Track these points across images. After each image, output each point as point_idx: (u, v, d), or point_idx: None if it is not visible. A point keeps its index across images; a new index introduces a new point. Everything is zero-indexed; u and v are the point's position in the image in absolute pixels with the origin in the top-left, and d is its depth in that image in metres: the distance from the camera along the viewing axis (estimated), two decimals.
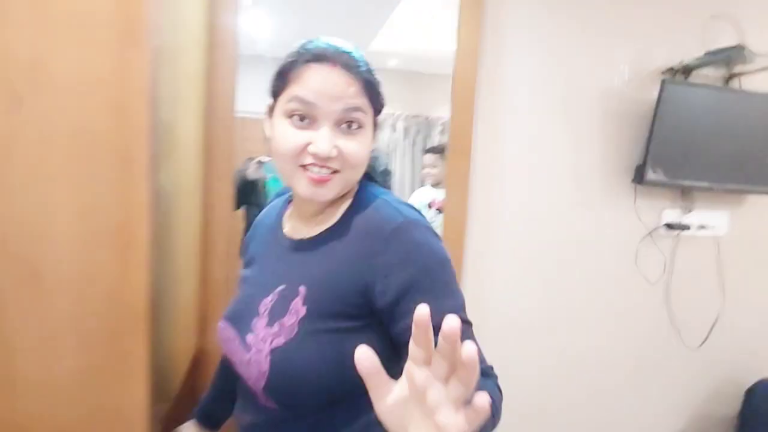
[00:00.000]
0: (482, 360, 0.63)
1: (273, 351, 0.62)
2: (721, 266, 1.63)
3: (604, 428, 1.62)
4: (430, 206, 2.46)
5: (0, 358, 0.72)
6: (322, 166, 0.62)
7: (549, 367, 1.56)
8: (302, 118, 0.62)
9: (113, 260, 0.75)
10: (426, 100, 3.81)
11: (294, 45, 0.66)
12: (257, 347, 0.63)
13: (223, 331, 0.73)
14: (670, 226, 1.58)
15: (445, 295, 0.61)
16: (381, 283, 0.60)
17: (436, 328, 0.39)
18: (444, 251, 0.64)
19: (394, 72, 3.79)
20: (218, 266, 1.28)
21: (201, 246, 1.28)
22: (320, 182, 0.63)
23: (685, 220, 1.59)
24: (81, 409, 0.76)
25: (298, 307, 0.63)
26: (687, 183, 1.52)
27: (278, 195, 0.89)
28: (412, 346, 0.41)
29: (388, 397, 0.42)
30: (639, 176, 1.49)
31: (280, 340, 0.62)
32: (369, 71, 0.65)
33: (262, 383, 0.62)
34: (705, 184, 1.52)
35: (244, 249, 0.84)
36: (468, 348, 0.37)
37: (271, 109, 0.68)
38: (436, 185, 2.46)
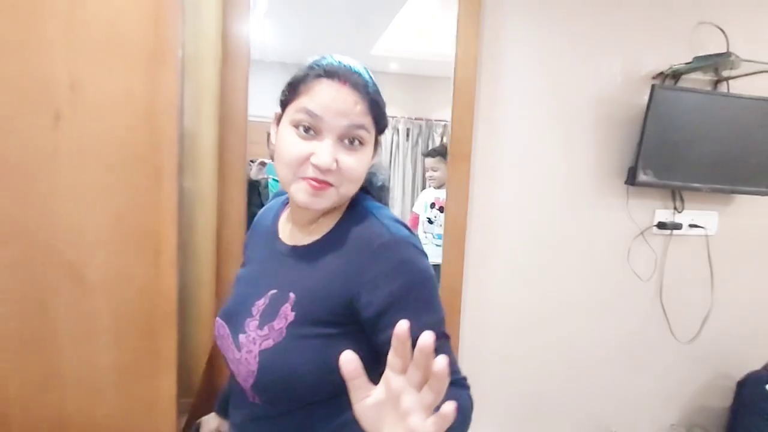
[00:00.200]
0: (457, 371, 0.67)
1: (261, 353, 0.66)
2: (711, 263, 1.69)
3: (600, 419, 1.68)
4: (432, 206, 2.54)
5: (47, 355, 0.78)
6: (321, 175, 0.64)
7: (546, 361, 1.61)
8: (307, 129, 0.65)
9: (145, 263, 0.81)
10: (426, 103, 3.87)
11: (307, 60, 0.70)
12: (247, 348, 0.67)
13: (218, 328, 0.76)
14: (661, 226, 1.64)
15: (426, 310, 0.64)
16: (366, 295, 0.63)
17: (415, 341, 0.43)
18: (428, 269, 0.66)
19: (395, 76, 3.86)
20: (233, 268, 1.33)
21: (216, 249, 1.34)
22: (317, 191, 0.65)
23: (677, 219, 1.65)
24: (117, 402, 0.83)
25: (287, 312, 0.67)
26: (677, 184, 1.58)
27: (276, 196, 0.93)
28: (390, 356, 0.46)
29: (366, 399, 0.47)
30: (631, 178, 1.55)
31: (268, 343, 0.66)
32: (376, 92, 0.68)
33: (251, 381, 0.66)
34: (695, 184, 1.58)
35: (244, 248, 0.89)
36: (440, 361, 0.41)
37: (278, 118, 0.71)
38: (438, 187, 2.54)
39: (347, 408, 0.52)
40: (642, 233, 1.63)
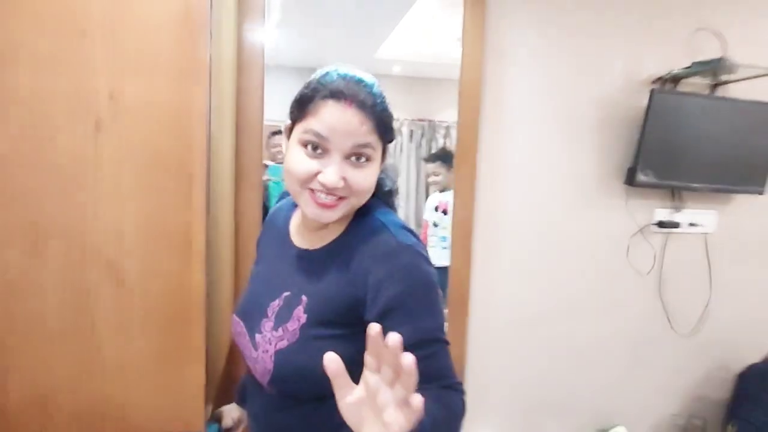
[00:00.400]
0: (451, 376, 0.69)
1: (277, 353, 0.70)
2: (709, 261, 1.74)
3: (603, 411, 1.73)
4: (437, 209, 2.60)
5: (89, 344, 0.85)
6: (328, 194, 0.67)
7: (551, 355, 1.66)
8: (315, 148, 0.67)
9: (177, 260, 0.88)
10: (429, 105, 3.92)
11: (314, 75, 0.70)
12: (264, 347, 0.72)
13: (235, 325, 0.81)
14: (661, 224, 1.69)
15: (426, 315, 0.67)
16: (371, 298, 0.66)
17: (412, 345, 0.48)
18: (430, 275, 0.69)
19: (399, 78, 3.91)
20: (250, 266, 1.39)
21: (234, 248, 1.41)
22: (326, 207, 0.68)
23: (676, 218, 1.70)
24: (151, 388, 0.89)
25: (300, 315, 0.71)
26: (676, 184, 1.63)
27: (282, 197, 0.95)
28: (366, 356, 0.50)
29: (348, 397, 0.52)
30: (631, 178, 1.60)
31: (283, 343, 0.70)
32: (383, 109, 0.69)
33: (267, 378, 0.71)
34: (693, 184, 1.63)
35: (257, 244, 0.92)
36: (407, 358, 0.45)
37: (289, 131, 0.73)
38: (442, 191, 2.60)
39: None
40: (641, 231, 1.69)
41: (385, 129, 0.70)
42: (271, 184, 3.32)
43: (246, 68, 1.37)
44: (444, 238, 2.42)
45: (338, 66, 0.71)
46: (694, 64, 1.58)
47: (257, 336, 0.74)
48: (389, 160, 0.82)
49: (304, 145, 0.68)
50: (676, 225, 1.70)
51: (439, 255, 2.18)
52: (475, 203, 1.56)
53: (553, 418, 1.69)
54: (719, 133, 1.61)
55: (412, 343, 0.53)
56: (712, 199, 1.73)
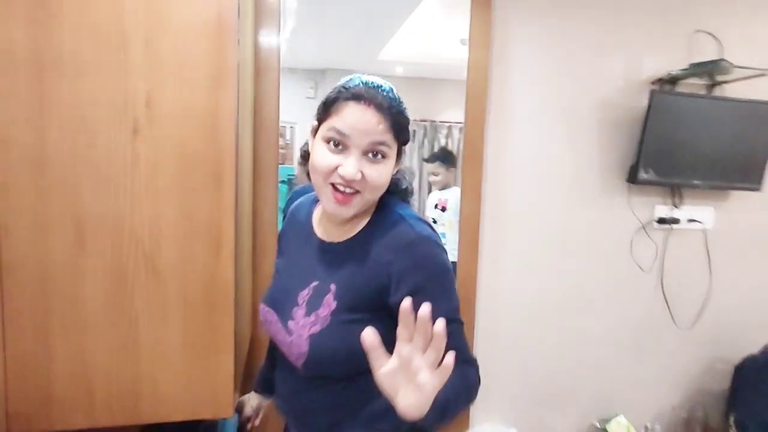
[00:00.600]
0: (467, 353, 0.76)
1: (311, 336, 0.77)
2: (708, 255, 1.80)
3: (606, 402, 1.79)
4: (436, 206, 2.67)
5: (126, 332, 0.91)
6: (346, 186, 0.75)
7: (555, 347, 1.72)
8: (337, 144, 0.75)
9: (208, 254, 0.94)
10: (431, 105, 3.98)
11: (339, 82, 0.80)
12: (298, 333, 0.78)
13: (265, 314, 0.87)
14: (662, 221, 1.75)
15: (444, 299, 0.74)
16: (395, 284, 0.74)
17: (433, 324, 0.55)
18: (446, 262, 0.77)
19: (401, 79, 3.97)
20: (268, 262, 1.45)
21: (252, 244, 1.46)
22: (343, 202, 0.75)
23: (675, 214, 1.76)
24: (183, 374, 0.95)
25: (330, 302, 0.78)
26: (676, 181, 1.69)
27: (296, 195, 1.04)
28: (399, 329, 0.58)
29: (384, 367, 0.59)
30: (632, 176, 1.66)
31: (316, 328, 0.77)
32: (398, 112, 0.77)
33: (302, 361, 0.78)
34: (692, 182, 1.69)
35: (279, 240, 0.99)
36: (437, 324, 0.54)
37: (314, 130, 0.81)
38: (442, 189, 2.67)
39: None
40: (643, 227, 1.75)
41: (399, 129, 0.77)
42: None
43: (262, 72, 1.43)
44: (443, 235, 2.48)
45: (361, 75, 0.79)
46: (692, 65, 1.64)
47: (290, 323, 0.81)
48: (405, 163, 0.89)
49: (327, 141, 0.76)
50: (676, 221, 1.76)
51: None
52: (482, 201, 1.62)
53: (557, 408, 1.75)
54: (717, 132, 1.67)
55: (432, 323, 0.60)
56: (710, 195, 1.79)
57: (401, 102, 0.80)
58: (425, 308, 0.55)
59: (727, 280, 1.83)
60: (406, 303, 0.57)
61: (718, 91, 1.74)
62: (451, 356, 0.55)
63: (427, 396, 0.57)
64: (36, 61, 0.84)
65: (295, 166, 1.60)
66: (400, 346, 0.58)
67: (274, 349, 1.08)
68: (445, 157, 2.65)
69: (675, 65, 1.66)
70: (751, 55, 1.66)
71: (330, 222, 0.85)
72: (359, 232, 0.82)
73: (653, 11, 1.67)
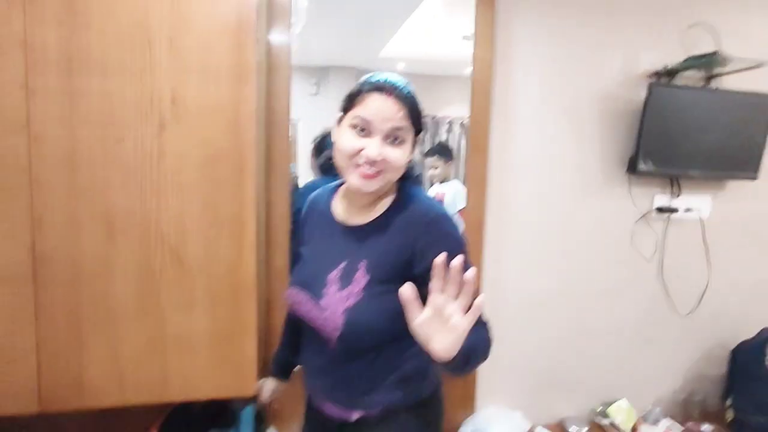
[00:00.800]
0: (483, 315, 0.85)
1: (346, 310, 0.84)
2: (706, 243, 1.85)
3: (608, 387, 1.84)
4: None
5: (154, 321, 0.95)
6: (371, 166, 0.83)
7: (559, 334, 1.77)
8: (362, 130, 0.84)
9: (231, 245, 0.98)
10: (433, 101, 4.02)
11: (363, 77, 0.88)
12: (332, 308, 0.85)
13: (295, 295, 0.94)
14: (660, 210, 1.80)
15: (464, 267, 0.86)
16: (419, 257, 0.83)
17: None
18: (462, 236, 0.88)
19: (403, 75, 4.00)
20: (281, 255, 1.49)
21: (266, 234, 1.50)
22: (368, 178, 0.83)
23: (674, 204, 1.81)
24: (209, 361, 1.00)
25: (361, 277, 0.86)
26: (674, 171, 1.74)
27: (307, 190, 1.10)
28: (433, 282, 0.67)
29: (419, 317, 0.69)
30: (632, 167, 1.71)
31: (350, 302, 0.85)
32: (414, 103, 0.86)
33: (337, 334, 0.85)
34: (690, 172, 1.73)
35: (300, 229, 1.04)
36: (468, 272, 0.64)
37: (339, 120, 0.89)
38: (441, 182, 2.72)
39: (408, 347, 0.81)
40: (643, 217, 1.80)
41: (415, 118, 0.87)
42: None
43: (274, 69, 1.46)
44: None
45: (381, 72, 0.88)
46: (689, 58, 1.68)
47: (323, 300, 0.87)
48: (417, 156, 0.96)
49: (353, 127, 0.85)
50: (674, 210, 1.81)
51: None
52: (486, 193, 1.66)
53: (561, 393, 1.80)
54: (714, 123, 1.71)
55: None
56: (707, 185, 1.84)
57: (416, 96, 0.89)
58: (458, 260, 0.65)
59: (724, 267, 1.88)
60: (440, 258, 0.66)
61: (714, 83, 1.78)
62: (480, 298, 0.65)
63: (459, 336, 0.67)
64: (66, 61, 0.88)
65: (309, 159, 1.65)
66: (434, 296, 0.68)
67: (292, 333, 1.13)
68: (443, 151, 2.70)
69: (672, 59, 1.70)
70: (746, 48, 1.70)
71: (353, 207, 0.93)
72: (382, 214, 0.90)
73: (650, 7, 1.71)
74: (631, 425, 1.69)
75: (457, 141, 4.11)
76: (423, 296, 0.82)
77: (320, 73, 3.58)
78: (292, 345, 1.15)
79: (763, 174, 1.78)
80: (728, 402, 1.80)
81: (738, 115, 1.73)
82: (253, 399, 1.17)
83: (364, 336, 0.85)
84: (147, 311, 0.95)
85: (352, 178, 0.85)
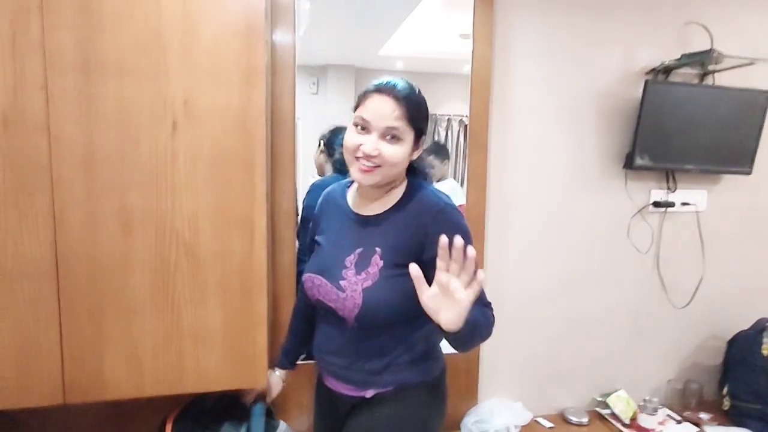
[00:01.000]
0: (485, 298, 0.97)
1: (365, 290, 0.93)
2: (701, 236, 1.89)
3: (606, 378, 1.88)
4: None
5: (170, 315, 0.99)
6: (367, 160, 0.91)
7: (559, 327, 1.81)
8: (363, 128, 0.93)
9: (243, 241, 1.02)
10: (432, 99, 4.04)
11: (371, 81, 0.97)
12: (351, 289, 0.94)
13: (313, 280, 1.02)
14: (657, 204, 1.84)
15: None
16: (429, 244, 0.91)
17: None
18: (467, 225, 0.97)
19: (402, 74, 4.02)
20: (287, 251, 1.52)
21: (271, 232, 1.53)
22: (366, 172, 0.92)
23: (670, 198, 1.85)
24: (222, 352, 1.03)
25: (377, 261, 0.95)
26: (670, 166, 1.78)
27: (316, 188, 1.27)
28: (438, 261, 0.76)
29: (427, 292, 0.78)
30: (629, 162, 1.74)
31: (368, 283, 0.94)
32: (414, 104, 0.93)
33: (356, 312, 0.93)
34: (686, 166, 1.77)
35: (316, 220, 1.14)
36: (469, 250, 0.72)
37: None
38: (437, 181, 2.76)
39: (419, 329, 0.92)
40: (640, 211, 1.84)
41: (412, 119, 0.94)
42: None
43: (278, 70, 1.49)
44: None
45: (390, 77, 0.97)
46: (684, 55, 1.71)
47: (342, 282, 0.95)
48: (429, 156, 1.05)
49: (355, 125, 0.94)
50: (671, 204, 1.84)
51: None
52: (486, 189, 1.70)
53: (560, 384, 1.84)
54: (709, 119, 1.75)
55: None
56: (703, 179, 1.87)
57: (419, 98, 0.97)
58: (459, 240, 0.73)
59: (719, 260, 1.92)
60: (444, 239, 0.74)
61: (709, 80, 1.81)
62: (480, 273, 0.73)
63: (463, 309, 0.75)
64: (83, 65, 0.91)
65: (317, 156, 1.68)
66: (439, 274, 0.76)
67: (300, 322, 1.21)
68: (438, 151, 2.73)
69: (668, 56, 1.74)
70: (740, 45, 1.74)
71: (366, 199, 1.02)
72: (394, 205, 0.98)
73: (646, 4, 1.74)
74: (630, 415, 1.73)
75: (456, 138, 4.15)
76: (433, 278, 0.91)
77: (319, 72, 3.60)
78: (299, 334, 1.21)
79: (757, 168, 1.81)
80: (725, 391, 1.84)
81: (732, 111, 1.76)
82: (262, 396, 1.20)
83: (381, 313, 0.93)
84: (163, 306, 0.98)
85: (353, 172, 0.94)
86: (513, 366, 1.79)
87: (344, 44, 3.50)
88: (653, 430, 1.69)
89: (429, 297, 0.78)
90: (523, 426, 1.68)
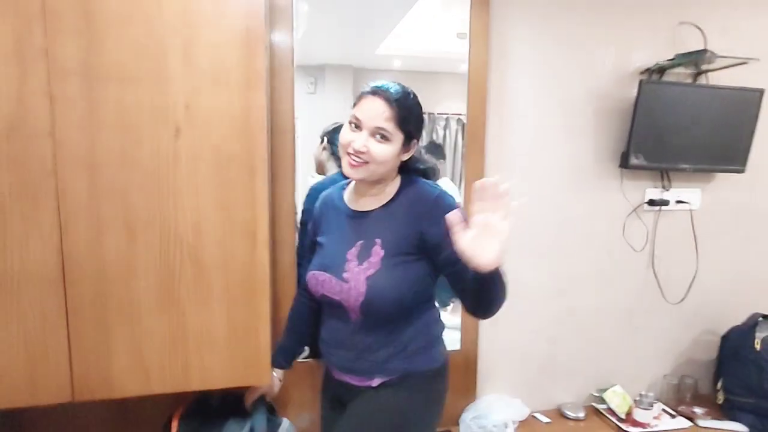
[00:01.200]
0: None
1: (368, 278, 0.97)
2: (695, 234, 1.92)
3: (602, 373, 1.91)
4: None
5: (175, 317, 1.01)
6: (357, 156, 0.97)
7: (555, 324, 1.84)
8: (355, 126, 0.99)
9: (245, 244, 1.04)
10: (429, 97, 4.05)
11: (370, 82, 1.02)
12: (355, 279, 0.99)
13: (317, 277, 1.05)
14: (651, 203, 1.87)
15: None
16: (429, 231, 0.97)
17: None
18: (464, 210, 0.98)
19: (399, 72, 4.03)
20: (287, 253, 1.53)
21: (272, 236, 1.55)
22: (353, 166, 0.98)
23: (664, 196, 1.87)
24: (227, 353, 1.05)
25: (378, 251, 0.99)
26: (664, 165, 1.80)
27: (315, 191, 1.28)
28: (475, 204, 0.78)
29: (466, 236, 0.79)
30: (624, 162, 1.76)
31: (371, 271, 0.98)
32: (404, 107, 0.98)
33: (361, 300, 0.97)
34: (680, 165, 1.79)
35: (316, 222, 1.17)
36: (502, 185, 0.76)
37: None
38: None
39: (424, 314, 0.98)
40: (635, 210, 1.86)
41: (402, 121, 0.98)
42: None
43: (277, 71, 1.50)
44: None
45: (385, 80, 1.01)
46: (678, 55, 1.73)
47: (345, 274, 1.00)
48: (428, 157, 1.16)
49: (350, 124, 1.00)
50: (665, 203, 1.87)
51: None
52: None
53: (557, 380, 1.87)
54: (703, 118, 1.77)
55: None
56: (697, 178, 1.90)
57: (411, 103, 1.01)
58: (490, 180, 0.77)
59: (713, 257, 1.94)
60: (479, 183, 0.78)
61: (702, 80, 1.83)
62: (514, 203, 0.77)
63: (504, 239, 0.78)
64: (86, 71, 0.93)
65: (318, 152, 1.70)
66: (476, 216, 0.79)
67: (297, 323, 1.25)
68: (433, 150, 2.75)
69: (662, 56, 1.76)
70: (733, 45, 1.76)
71: (363, 195, 1.07)
72: (391, 199, 1.03)
73: (640, 5, 1.76)
74: (626, 409, 1.76)
75: (454, 136, 4.17)
76: (435, 265, 0.99)
77: (317, 72, 3.61)
78: (297, 334, 1.24)
79: (750, 167, 1.84)
80: (719, 385, 1.87)
81: (726, 110, 1.78)
82: (262, 397, 1.22)
83: (385, 300, 0.97)
84: (168, 307, 1.00)
85: (344, 165, 1.00)
86: (511, 363, 1.82)
87: (342, 44, 3.50)
88: (648, 424, 1.71)
89: (468, 240, 0.79)
90: (520, 421, 1.71)
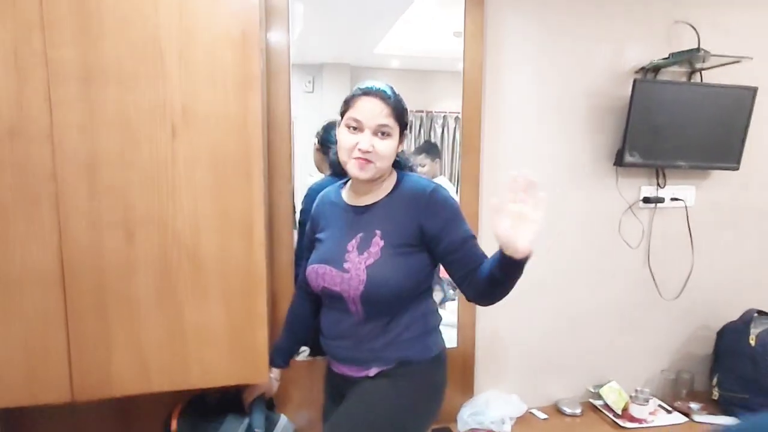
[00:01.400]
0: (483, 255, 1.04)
1: (368, 267, 1.00)
2: (690, 231, 1.93)
3: (599, 369, 1.92)
4: None
5: (175, 315, 1.02)
6: (364, 156, 1.00)
7: (552, 321, 1.85)
8: (355, 128, 1.01)
9: (242, 243, 1.05)
10: (427, 96, 4.07)
11: (355, 86, 1.06)
12: (355, 268, 1.01)
13: (317, 270, 1.08)
14: (647, 200, 1.88)
15: (463, 224, 1.05)
16: (429, 221, 1.01)
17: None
18: (456, 201, 1.07)
19: (397, 71, 4.04)
20: (285, 252, 1.54)
21: (269, 232, 1.56)
22: (362, 167, 1.01)
23: (660, 194, 1.89)
24: (224, 350, 1.07)
25: (378, 241, 1.02)
26: (659, 163, 1.81)
27: (313, 192, 1.30)
28: (508, 194, 0.83)
29: (502, 224, 0.84)
30: (619, 159, 1.78)
31: (371, 261, 1.01)
32: (397, 101, 1.04)
33: (361, 289, 1.00)
34: (675, 163, 1.80)
35: (315, 221, 1.20)
36: (532, 177, 0.81)
37: (339, 123, 1.07)
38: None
39: (422, 303, 1.01)
40: (630, 207, 1.88)
41: (398, 115, 1.04)
42: None
43: (273, 72, 1.51)
44: None
45: (368, 80, 1.06)
46: (672, 54, 1.75)
47: (345, 264, 1.03)
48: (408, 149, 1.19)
49: (348, 127, 1.02)
50: (660, 200, 1.88)
51: None
52: (480, 187, 1.73)
53: (554, 377, 1.88)
54: (697, 116, 1.78)
55: (462, 238, 1.00)
56: (691, 175, 1.91)
57: (399, 97, 1.08)
58: (517, 174, 0.82)
59: (708, 253, 1.96)
60: (512, 175, 0.83)
61: (697, 78, 1.85)
62: (543, 194, 0.81)
63: (538, 226, 0.83)
64: (84, 74, 0.94)
65: (314, 154, 1.72)
66: (511, 207, 0.84)
67: (294, 322, 1.27)
68: (429, 149, 2.77)
69: (656, 55, 1.77)
70: (726, 44, 1.77)
71: (360, 192, 1.10)
72: (388, 194, 1.08)
73: (635, 4, 1.77)
74: (622, 405, 1.78)
75: (451, 135, 4.19)
76: (434, 256, 1.03)
77: (315, 71, 3.62)
78: (294, 333, 1.25)
79: (744, 164, 1.85)
80: (714, 381, 1.89)
81: (720, 108, 1.80)
82: (261, 395, 1.24)
83: (385, 288, 1.00)
84: (166, 306, 1.02)
85: (351, 168, 1.02)
86: (508, 359, 1.83)
87: (339, 43, 3.51)
88: (644, 420, 1.73)
89: (505, 228, 0.84)
90: (518, 417, 1.73)
